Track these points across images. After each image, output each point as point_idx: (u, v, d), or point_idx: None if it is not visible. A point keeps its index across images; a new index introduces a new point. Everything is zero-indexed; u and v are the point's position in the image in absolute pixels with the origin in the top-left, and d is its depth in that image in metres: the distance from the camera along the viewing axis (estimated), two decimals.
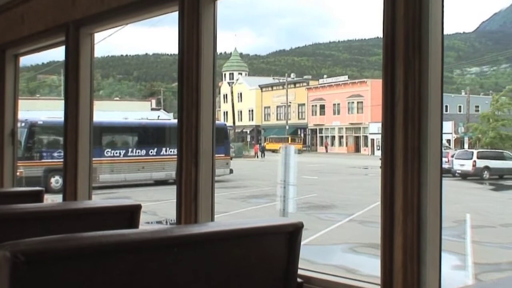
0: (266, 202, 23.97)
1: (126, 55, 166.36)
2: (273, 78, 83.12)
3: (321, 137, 67.54)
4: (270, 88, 78.15)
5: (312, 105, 69.08)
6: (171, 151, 25.71)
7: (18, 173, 16.61)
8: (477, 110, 49.17)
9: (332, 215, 21.53)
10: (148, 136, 28.08)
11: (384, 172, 2.72)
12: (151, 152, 27.20)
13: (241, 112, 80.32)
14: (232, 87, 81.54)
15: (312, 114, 69.22)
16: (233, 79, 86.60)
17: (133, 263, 2.21)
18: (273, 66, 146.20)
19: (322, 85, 68.94)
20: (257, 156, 55.84)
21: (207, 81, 3.86)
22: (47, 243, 2.07)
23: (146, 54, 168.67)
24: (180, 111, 3.87)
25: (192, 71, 3.81)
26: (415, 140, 2.62)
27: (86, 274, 2.10)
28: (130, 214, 3.43)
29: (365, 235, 17.04)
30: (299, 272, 2.76)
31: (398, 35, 2.68)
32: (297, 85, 74.13)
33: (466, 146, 43.66)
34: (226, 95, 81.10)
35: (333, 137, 65.24)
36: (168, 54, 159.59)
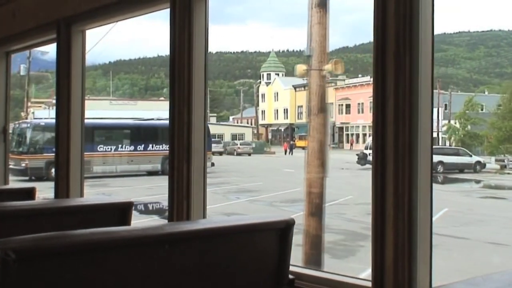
0: (209, 188, 26.73)
1: None
2: (303, 79, 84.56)
3: (347, 134, 68.08)
4: (302, 88, 79.79)
5: (339, 104, 70.13)
6: (157, 147, 31.01)
7: (24, 164, 20.43)
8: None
9: (243, 196, 24.47)
10: (137, 134, 32.49)
11: (375, 169, 2.72)
12: (139, 147, 31.70)
13: (277, 111, 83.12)
14: (255, 87, 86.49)
15: (339, 113, 70.26)
16: (270, 79, 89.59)
17: (125, 260, 2.20)
18: None
19: (348, 85, 69.60)
20: (286, 153, 58.23)
21: (199, 78, 3.85)
22: (38, 241, 2.05)
23: (209, 52, 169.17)
24: (171, 108, 3.87)
25: (183, 68, 3.81)
26: (405, 137, 2.62)
27: (77, 271, 2.08)
28: (121, 211, 3.39)
29: (245, 209, 20.05)
30: (291, 268, 2.75)
31: (388, 32, 2.67)
32: (326, 85, 75.10)
33: (447, 143, 45.77)
34: (264, 94, 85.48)
35: (357, 135, 65.79)
36: (231, 52, 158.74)
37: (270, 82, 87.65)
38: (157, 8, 4.24)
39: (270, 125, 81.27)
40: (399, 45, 2.64)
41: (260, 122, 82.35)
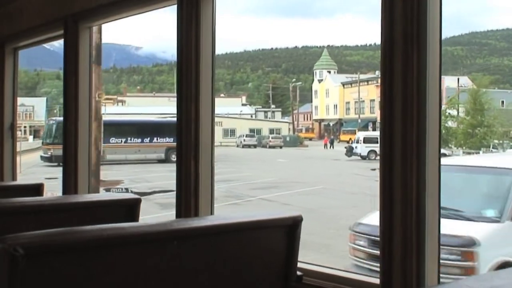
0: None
1: (276, 48, 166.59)
2: (346, 77, 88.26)
3: None
4: (350, 85, 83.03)
5: (379, 101, 70.72)
6: (161, 140, 37.50)
7: (50, 153, 34.77)
8: None
9: None
10: (143, 130, 39.64)
11: (383, 166, 2.71)
12: (145, 140, 38.78)
13: (328, 106, 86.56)
14: (292, 85, 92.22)
15: (379, 109, 71.03)
16: (322, 76, 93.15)
17: (133, 256, 2.22)
18: None
19: None
20: (325, 147, 60.07)
21: (206, 74, 3.84)
22: (46, 237, 2.07)
23: (296, 46, 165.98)
24: (179, 104, 3.87)
25: (191, 65, 3.80)
26: (413, 134, 2.62)
27: (85, 267, 2.09)
28: (129, 207, 3.40)
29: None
30: (298, 265, 2.76)
31: (396, 30, 2.67)
32: (369, 82, 78.01)
33: None
34: (316, 91, 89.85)
35: None
36: (317, 46, 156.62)
37: (322, 79, 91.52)
38: (164, 5, 4.23)
39: (323, 120, 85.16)
40: (407, 43, 2.63)
41: (314, 117, 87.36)
